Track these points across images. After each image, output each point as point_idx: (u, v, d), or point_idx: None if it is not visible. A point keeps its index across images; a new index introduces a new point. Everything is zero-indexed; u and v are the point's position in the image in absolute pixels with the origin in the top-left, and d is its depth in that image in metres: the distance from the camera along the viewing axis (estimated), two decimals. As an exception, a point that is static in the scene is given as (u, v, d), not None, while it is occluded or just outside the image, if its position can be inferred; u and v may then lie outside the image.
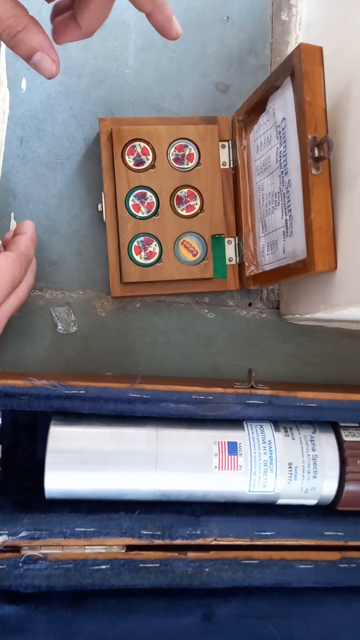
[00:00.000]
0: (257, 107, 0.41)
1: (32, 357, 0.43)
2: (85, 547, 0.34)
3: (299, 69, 0.34)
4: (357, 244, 0.33)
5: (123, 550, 0.34)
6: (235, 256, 0.43)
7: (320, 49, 0.34)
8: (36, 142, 0.44)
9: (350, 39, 0.36)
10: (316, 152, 0.34)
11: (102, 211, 0.42)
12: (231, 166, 0.44)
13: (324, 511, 0.38)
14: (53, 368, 0.43)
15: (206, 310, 0.46)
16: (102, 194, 0.42)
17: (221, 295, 0.46)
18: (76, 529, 0.34)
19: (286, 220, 0.38)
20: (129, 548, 0.35)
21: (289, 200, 0.37)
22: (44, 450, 0.35)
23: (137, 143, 0.42)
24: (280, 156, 0.38)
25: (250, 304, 0.47)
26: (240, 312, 0.46)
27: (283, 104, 0.37)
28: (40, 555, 0.34)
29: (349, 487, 0.36)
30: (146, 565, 0.35)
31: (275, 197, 0.39)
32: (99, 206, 0.42)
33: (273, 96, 0.39)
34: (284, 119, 0.37)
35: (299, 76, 0.34)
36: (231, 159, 0.43)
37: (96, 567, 0.34)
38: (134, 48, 0.45)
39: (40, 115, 0.44)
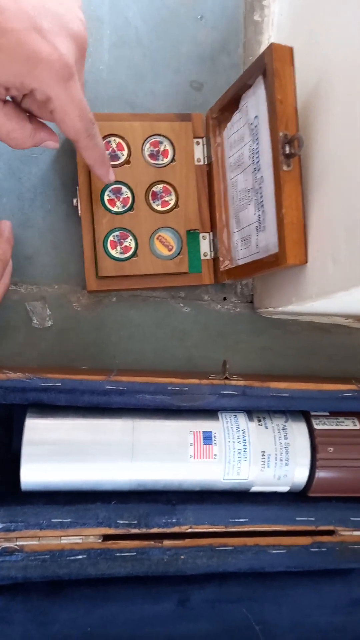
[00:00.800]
0: (230, 105, 0.42)
1: (6, 352, 0.43)
2: (62, 537, 0.34)
3: (270, 68, 0.35)
4: (326, 238, 0.34)
5: (100, 540, 0.35)
6: (210, 251, 0.44)
7: (291, 49, 0.35)
8: (10, 135, 0.44)
9: (319, 39, 0.37)
10: (287, 149, 0.35)
11: (77, 206, 0.42)
12: (205, 163, 0.44)
13: (295, 498, 0.39)
14: (28, 362, 0.43)
15: (181, 305, 0.46)
16: (77, 189, 0.42)
17: (196, 289, 0.47)
18: (52, 520, 0.34)
19: (259, 215, 0.39)
20: (106, 538, 0.35)
21: (261, 196, 0.38)
22: (19, 442, 0.35)
23: (112, 138, 0.42)
24: (253, 153, 0.39)
25: (224, 298, 0.48)
26: (215, 306, 0.47)
27: (255, 102, 0.38)
28: (16, 547, 0.34)
29: (319, 474, 0.38)
30: (123, 554, 0.35)
31: (249, 193, 0.40)
32: (74, 201, 0.42)
33: (246, 94, 0.40)
34: (256, 116, 0.38)
35: (270, 75, 0.35)
36: (205, 155, 0.44)
37: (73, 557, 0.34)
38: (108, 44, 0.46)
39: (14, 109, 0.44)
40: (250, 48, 0.49)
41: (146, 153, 0.43)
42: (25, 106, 0.32)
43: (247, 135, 0.40)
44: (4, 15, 0.26)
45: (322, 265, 0.34)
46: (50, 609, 0.35)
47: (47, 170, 0.44)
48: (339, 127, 0.34)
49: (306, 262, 0.36)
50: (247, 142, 0.40)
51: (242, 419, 0.38)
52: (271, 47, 0.35)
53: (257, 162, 0.38)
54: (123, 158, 0.42)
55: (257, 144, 0.38)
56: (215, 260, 0.44)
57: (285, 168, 0.35)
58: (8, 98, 0.31)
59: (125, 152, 0.42)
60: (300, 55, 0.36)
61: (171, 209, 0.43)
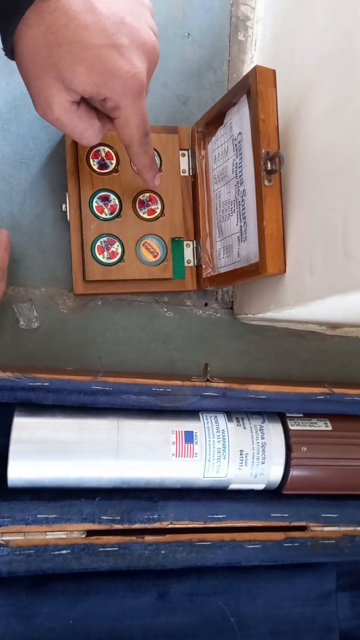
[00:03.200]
0: (215, 120, 0.44)
1: (-7, 352, 0.44)
2: (47, 533, 0.35)
3: (254, 89, 0.37)
4: (304, 250, 0.36)
5: (83, 536, 0.36)
6: (193, 258, 0.46)
7: (274, 71, 0.38)
8: (0, 141, 0.45)
9: (300, 63, 0.40)
10: (269, 165, 0.37)
11: (66, 211, 0.43)
12: (190, 174, 0.46)
13: (271, 495, 0.41)
14: (13, 362, 0.44)
15: (165, 309, 0.48)
16: (67, 195, 0.43)
17: (179, 295, 0.49)
18: (38, 516, 0.35)
19: (241, 226, 0.41)
20: (89, 533, 0.36)
21: (243, 208, 0.40)
22: (4, 441, 0.36)
23: (101, 147, 0.44)
24: (236, 167, 0.41)
25: (206, 304, 0.49)
26: (197, 312, 0.49)
27: (239, 119, 0.40)
28: (1, 542, 0.35)
29: (293, 472, 0.40)
30: (105, 549, 0.36)
31: (231, 205, 0.42)
32: (63, 206, 0.44)
33: (230, 111, 0.42)
34: (240, 132, 0.40)
35: (254, 95, 0.37)
36: (190, 167, 0.46)
37: (57, 552, 0.35)
38: (99, 56, 0.47)
39: (5, 115, 0.45)
40: (234, 66, 0.51)
41: (134, 163, 0.44)
42: (95, 105, 0.34)
43: (231, 150, 0.42)
44: (88, 31, 0.29)
45: (299, 275, 0.36)
46: (33, 603, 0.36)
47: (37, 175, 0.45)
48: (316, 148, 0.36)
49: (285, 271, 0.38)
50: (230, 157, 0.42)
51: (222, 419, 0.39)
52: (255, 69, 0.37)
53: (240, 175, 0.40)
54: (112, 167, 0.44)
55: (240, 158, 0.40)
56: (198, 267, 0.46)
57: (266, 183, 0.37)
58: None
59: (114, 161, 0.44)
60: (282, 77, 0.38)
61: (157, 217, 0.45)
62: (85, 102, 0.34)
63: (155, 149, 0.45)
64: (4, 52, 0.31)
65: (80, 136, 0.35)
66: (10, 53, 0.31)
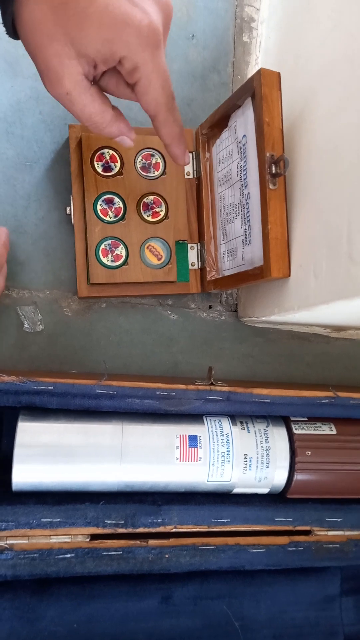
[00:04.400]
0: (219, 122, 0.44)
1: (-3, 355, 0.44)
2: (51, 536, 0.35)
3: (259, 92, 0.37)
4: (308, 254, 0.36)
5: (87, 539, 0.36)
6: (198, 261, 0.46)
7: (279, 74, 0.38)
8: (5, 144, 0.45)
9: (304, 66, 0.40)
10: (273, 168, 0.37)
11: (70, 214, 0.43)
12: (195, 176, 0.46)
13: (275, 499, 0.41)
14: (17, 365, 0.44)
15: (169, 312, 0.48)
16: (71, 198, 0.43)
17: (183, 297, 0.49)
18: (42, 520, 0.35)
19: (245, 229, 0.41)
20: (94, 537, 0.36)
21: (248, 211, 0.40)
22: (9, 445, 0.36)
23: (105, 150, 0.44)
24: (240, 170, 0.41)
25: (210, 307, 0.49)
26: (201, 314, 0.49)
27: (244, 122, 0.40)
28: (6, 545, 0.35)
29: (298, 476, 0.39)
30: (109, 553, 0.36)
31: (236, 208, 0.42)
32: (67, 209, 0.44)
33: (235, 114, 0.42)
34: (244, 135, 0.40)
35: (258, 98, 0.37)
36: (195, 169, 0.46)
37: (61, 556, 0.35)
38: (104, 58, 0.47)
39: (9, 118, 0.45)
40: (239, 68, 0.51)
41: (138, 165, 0.44)
42: (107, 84, 0.32)
43: (235, 153, 0.42)
44: None
45: (304, 279, 0.36)
46: (38, 607, 0.36)
47: (41, 178, 0.45)
48: (321, 150, 0.36)
49: (289, 275, 0.38)
50: (235, 159, 0.42)
51: (226, 423, 0.39)
52: (260, 72, 0.37)
53: (245, 179, 0.40)
54: (116, 170, 0.44)
55: (245, 161, 0.40)
56: (202, 270, 0.46)
57: (271, 186, 0.37)
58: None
59: (118, 164, 0.44)
60: (286, 79, 0.38)
61: (161, 220, 0.45)
62: (98, 86, 0.32)
63: (158, 151, 0.45)
64: (5, 31, 0.29)
65: (88, 119, 0.32)
66: (12, 28, 0.29)
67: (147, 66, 0.30)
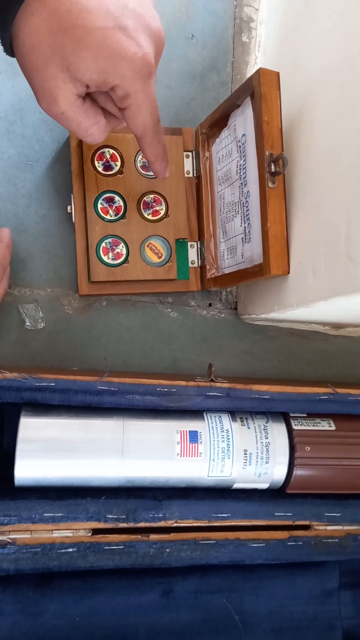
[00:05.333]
0: (219, 121, 0.44)
1: (-1, 352, 0.44)
2: (53, 531, 0.36)
3: (258, 91, 0.38)
4: (307, 251, 0.36)
5: (89, 534, 0.36)
6: (198, 259, 0.46)
7: (278, 74, 0.38)
8: (6, 143, 0.45)
9: (303, 66, 0.40)
10: (273, 167, 0.37)
11: (71, 212, 0.44)
12: (194, 175, 0.47)
13: (274, 494, 0.41)
14: (19, 362, 0.45)
15: (169, 310, 0.49)
16: (72, 196, 0.44)
17: (183, 295, 0.49)
18: (44, 514, 0.36)
19: (245, 227, 0.41)
20: (95, 531, 0.37)
21: (247, 210, 0.40)
22: (10, 441, 0.36)
23: (106, 149, 0.44)
24: (240, 169, 0.41)
25: (210, 305, 0.50)
26: (201, 312, 0.49)
27: (243, 121, 0.40)
28: (8, 540, 0.35)
29: (297, 472, 0.40)
30: (111, 547, 0.37)
31: (235, 206, 0.42)
32: (68, 208, 0.44)
33: (234, 113, 0.42)
34: (244, 134, 0.40)
35: (258, 98, 0.38)
36: (194, 168, 0.47)
37: (63, 550, 0.36)
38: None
39: (10, 117, 0.45)
40: (238, 67, 0.52)
41: (138, 164, 0.45)
42: (97, 97, 0.33)
43: (235, 152, 0.42)
44: (91, 15, 0.28)
45: (303, 276, 0.37)
46: (40, 600, 0.36)
47: (42, 177, 0.46)
48: (319, 150, 0.36)
49: (288, 273, 0.38)
50: (234, 158, 0.42)
51: (226, 419, 0.40)
52: (259, 71, 0.37)
53: (244, 177, 0.41)
54: (116, 168, 0.44)
55: (244, 160, 0.41)
56: (202, 268, 0.46)
57: (270, 185, 0.38)
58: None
59: (119, 163, 0.44)
60: (286, 79, 0.38)
61: (161, 218, 0.45)
62: (90, 99, 0.33)
63: (159, 151, 0.45)
64: (2, 49, 0.30)
65: (85, 133, 0.33)
66: (9, 47, 0.30)
67: (138, 95, 0.31)
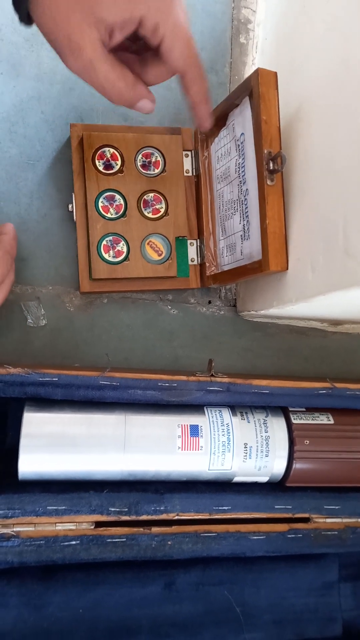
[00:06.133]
0: (218, 121, 0.45)
1: (1, 349, 0.45)
2: (57, 524, 0.36)
3: (256, 91, 0.38)
4: (305, 248, 0.37)
5: (92, 527, 0.37)
6: (197, 257, 0.47)
7: (275, 74, 0.39)
8: (8, 143, 0.46)
9: (300, 67, 0.41)
10: (271, 165, 0.38)
11: (72, 211, 0.44)
12: (194, 174, 0.47)
13: (274, 487, 0.42)
14: (21, 359, 0.45)
15: (169, 307, 0.49)
16: (73, 195, 0.44)
17: (183, 293, 0.50)
18: (48, 508, 0.36)
19: (244, 225, 0.42)
20: (98, 524, 0.37)
21: (246, 207, 0.41)
22: (14, 436, 0.37)
23: (106, 149, 0.45)
24: (239, 167, 0.42)
25: (210, 302, 0.50)
26: (201, 309, 0.50)
27: (242, 120, 0.41)
28: (13, 533, 0.36)
29: (296, 465, 0.40)
30: (113, 540, 0.37)
31: (234, 204, 0.43)
32: (70, 206, 0.45)
33: (233, 113, 0.43)
34: (242, 133, 0.41)
35: (256, 97, 0.38)
36: (194, 167, 0.47)
37: (66, 543, 0.36)
38: (104, 59, 0.48)
39: (12, 118, 0.46)
40: (236, 68, 0.52)
41: (138, 163, 0.45)
42: (128, 60, 0.33)
43: (234, 150, 0.43)
44: None
45: (301, 272, 0.37)
46: (44, 593, 0.36)
47: (43, 176, 0.46)
48: (317, 149, 0.37)
49: (287, 269, 0.39)
50: (233, 157, 0.43)
51: (226, 413, 0.40)
52: (257, 71, 0.38)
53: (243, 175, 0.41)
54: (117, 167, 0.45)
55: (243, 158, 0.41)
56: (202, 265, 0.47)
57: (269, 182, 0.38)
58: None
59: (119, 162, 0.45)
60: (283, 79, 0.39)
61: (161, 217, 0.46)
62: (116, 56, 0.33)
63: (158, 149, 0.46)
64: (18, 17, 0.30)
65: (112, 86, 0.32)
66: (26, 16, 0.30)
67: (168, 22, 0.31)
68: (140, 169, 0.45)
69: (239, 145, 0.42)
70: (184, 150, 0.47)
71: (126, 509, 0.37)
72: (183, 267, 0.47)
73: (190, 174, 0.47)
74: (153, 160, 0.46)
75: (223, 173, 0.45)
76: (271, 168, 0.38)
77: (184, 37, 0.32)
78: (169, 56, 0.33)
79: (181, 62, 0.33)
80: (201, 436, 0.39)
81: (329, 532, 0.42)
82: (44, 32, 0.31)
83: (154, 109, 0.36)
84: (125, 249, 0.45)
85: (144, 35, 0.32)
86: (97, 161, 0.44)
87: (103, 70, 0.32)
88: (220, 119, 0.44)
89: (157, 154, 0.46)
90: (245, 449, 0.39)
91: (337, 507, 0.42)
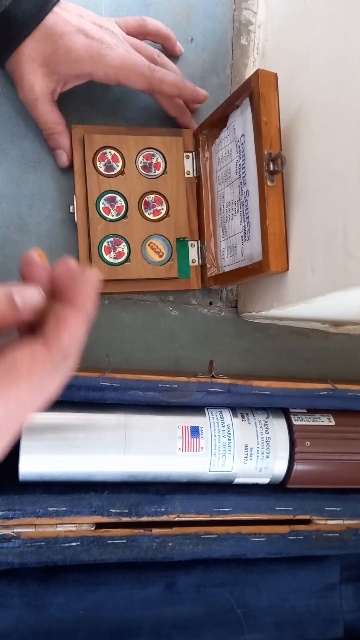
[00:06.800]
0: (218, 122, 0.45)
1: (3, 350, 0.45)
2: (57, 525, 0.36)
3: (256, 92, 0.38)
4: (305, 247, 0.37)
5: (93, 528, 0.37)
6: (198, 258, 0.47)
7: (276, 75, 0.39)
8: (9, 144, 0.46)
9: (300, 69, 0.41)
10: (271, 166, 0.38)
11: (73, 212, 0.45)
12: (195, 175, 0.47)
13: (275, 489, 0.42)
14: (23, 361, 0.45)
15: (170, 308, 0.49)
16: (74, 197, 0.44)
17: (184, 294, 0.50)
18: (49, 509, 0.36)
19: (244, 226, 0.42)
20: (98, 526, 0.37)
21: (247, 208, 0.41)
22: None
23: (107, 150, 0.45)
24: (239, 168, 0.42)
25: (210, 303, 0.50)
26: (202, 310, 0.50)
27: (242, 122, 0.41)
28: (13, 534, 0.36)
29: (297, 467, 0.40)
30: (114, 541, 0.37)
31: (235, 205, 0.43)
32: (71, 208, 0.45)
33: (233, 114, 0.43)
34: (243, 135, 0.41)
35: (256, 98, 0.38)
36: (195, 168, 0.47)
37: (67, 544, 0.36)
38: (105, 61, 0.48)
39: (13, 119, 0.46)
40: (237, 69, 0.53)
41: (139, 165, 0.46)
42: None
43: (234, 152, 0.43)
44: (61, 27, 0.40)
45: (301, 272, 0.37)
46: (45, 594, 0.37)
47: (45, 178, 0.46)
48: (317, 149, 0.37)
49: (287, 269, 0.39)
50: (234, 158, 0.43)
51: (227, 414, 0.40)
52: (257, 72, 0.38)
53: (244, 176, 0.41)
54: (118, 169, 0.45)
55: (244, 160, 0.41)
56: (202, 266, 0.47)
57: (269, 183, 0.38)
58: None
59: (120, 164, 0.45)
60: (283, 81, 0.39)
61: (162, 218, 0.46)
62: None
63: (159, 151, 0.46)
64: None
65: (45, 123, 0.43)
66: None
67: (111, 67, 0.41)
68: (141, 170, 0.46)
69: (239, 146, 0.42)
70: (185, 151, 0.47)
71: (127, 510, 0.37)
72: (184, 269, 0.47)
73: (191, 175, 0.47)
74: (154, 161, 0.46)
75: (224, 174, 0.45)
76: (271, 169, 0.38)
77: (133, 71, 0.42)
78: (133, 87, 0.43)
79: (144, 88, 0.43)
80: (202, 437, 0.39)
81: (330, 534, 0.42)
82: (10, 72, 0.42)
83: (65, 165, 0.45)
84: (126, 250, 0.45)
85: (103, 82, 0.43)
86: (98, 162, 0.44)
87: (43, 110, 0.43)
88: (221, 121, 0.45)
89: (158, 156, 0.46)
90: (246, 450, 0.39)
91: (338, 509, 0.42)
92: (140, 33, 0.46)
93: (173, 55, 0.50)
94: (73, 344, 0.23)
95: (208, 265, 0.47)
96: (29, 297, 0.23)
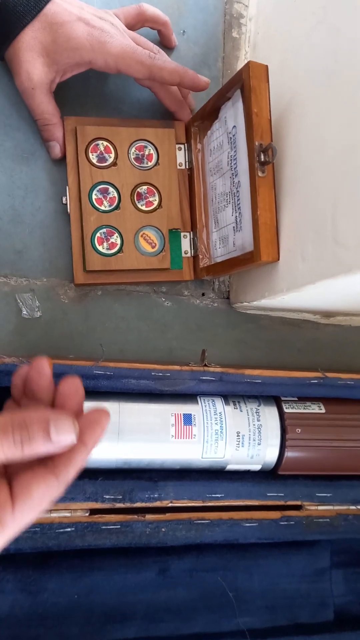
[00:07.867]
0: (210, 114, 0.45)
1: (-3, 341, 0.45)
2: (52, 511, 0.37)
3: (247, 84, 0.39)
4: (296, 237, 0.38)
5: (87, 514, 0.38)
6: (190, 249, 0.48)
7: (266, 67, 0.39)
8: (2, 136, 0.46)
9: (291, 61, 0.41)
10: (262, 157, 0.38)
11: (66, 203, 0.45)
12: (187, 167, 0.48)
13: (266, 475, 0.43)
14: (17, 351, 0.46)
15: (163, 299, 0.50)
16: (67, 188, 0.45)
17: (177, 285, 0.50)
18: (43, 495, 0.37)
19: (236, 216, 0.42)
20: (93, 512, 0.38)
21: (238, 199, 0.42)
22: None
23: (100, 142, 0.45)
24: (231, 159, 0.42)
25: (203, 294, 0.51)
26: (194, 301, 0.51)
27: (234, 113, 0.42)
28: (8, 520, 0.36)
29: (288, 453, 0.41)
30: (108, 527, 0.38)
31: (227, 196, 0.43)
32: (63, 199, 0.45)
33: (225, 106, 0.43)
34: (234, 126, 0.42)
35: (247, 90, 0.39)
36: (187, 160, 0.48)
37: (62, 530, 0.37)
38: (97, 53, 0.49)
39: (6, 110, 0.46)
40: (229, 62, 0.53)
41: (132, 156, 0.46)
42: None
43: (226, 143, 0.43)
44: (62, 17, 0.40)
45: (292, 262, 0.38)
46: (40, 579, 0.37)
47: (38, 169, 0.47)
48: (307, 140, 0.38)
49: (278, 259, 0.39)
50: (225, 150, 0.43)
51: (219, 402, 0.41)
52: (248, 64, 0.39)
53: (235, 168, 0.42)
54: (110, 160, 0.45)
55: (235, 151, 0.42)
56: (195, 257, 0.48)
57: (260, 174, 0.39)
58: None
59: (113, 155, 0.45)
60: (274, 74, 0.40)
61: (155, 209, 0.46)
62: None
63: (152, 143, 0.46)
64: None
65: (41, 113, 0.43)
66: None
67: (111, 55, 0.41)
68: (134, 161, 0.46)
69: (231, 137, 0.42)
70: (177, 143, 0.47)
71: (120, 497, 0.38)
72: (176, 260, 0.47)
73: (183, 167, 0.48)
74: (146, 153, 0.46)
75: (216, 166, 0.45)
76: (262, 160, 0.38)
77: (133, 59, 0.41)
78: (133, 75, 0.43)
79: (145, 76, 0.43)
80: (194, 425, 0.39)
81: (321, 520, 0.42)
82: (10, 63, 0.42)
83: (58, 157, 0.45)
84: (119, 241, 0.45)
85: (103, 71, 0.43)
86: (90, 154, 0.45)
87: (39, 99, 0.42)
88: (213, 113, 0.45)
89: (150, 147, 0.46)
90: (238, 437, 0.40)
91: (328, 495, 0.42)
92: (140, 20, 0.47)
93: (169, 46, 0.50)
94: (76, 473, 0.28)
95: (200, 256, 0.47)
96: (64, 438, 0.26)
